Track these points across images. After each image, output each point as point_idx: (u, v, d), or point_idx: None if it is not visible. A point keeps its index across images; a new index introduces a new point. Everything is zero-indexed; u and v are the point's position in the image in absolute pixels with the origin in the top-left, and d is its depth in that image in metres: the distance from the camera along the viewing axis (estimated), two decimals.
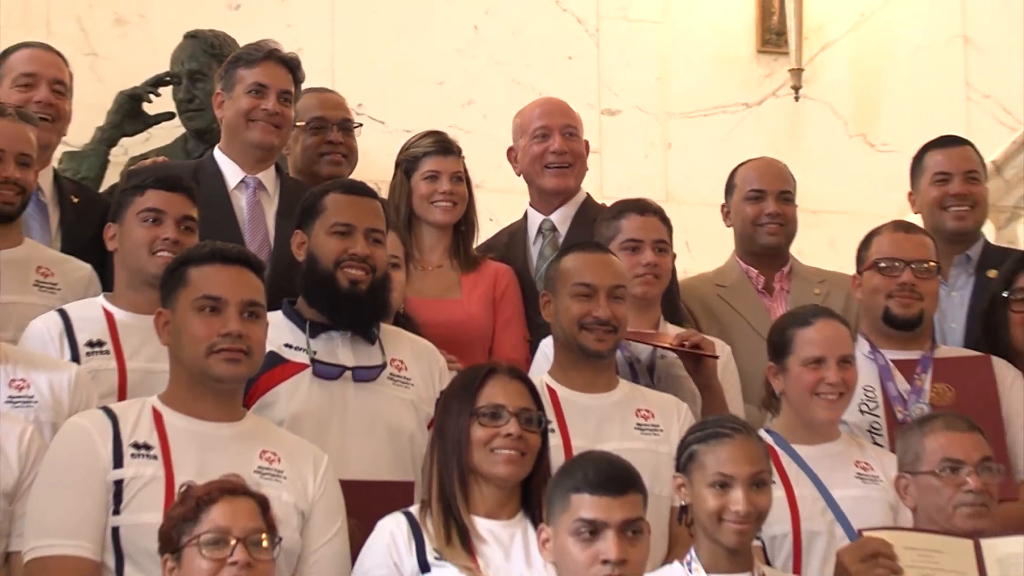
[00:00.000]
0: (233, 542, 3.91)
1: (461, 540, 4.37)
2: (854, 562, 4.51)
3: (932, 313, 5.59)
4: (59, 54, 6.05)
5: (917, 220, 6.04)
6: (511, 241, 6.24)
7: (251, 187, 5.80)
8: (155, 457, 4.36)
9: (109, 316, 5.06)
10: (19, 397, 4.71)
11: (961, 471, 4.67)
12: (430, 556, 4.36)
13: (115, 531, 4.29)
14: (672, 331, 5.58)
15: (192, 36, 7.70)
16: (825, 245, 6.60)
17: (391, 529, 4.42)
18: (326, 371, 4.90)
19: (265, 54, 5.84)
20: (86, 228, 5.68)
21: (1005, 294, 5.57)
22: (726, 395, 5.47)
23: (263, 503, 4.05)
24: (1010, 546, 4.63)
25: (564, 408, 5.00)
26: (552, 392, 5.01)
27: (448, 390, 4.67)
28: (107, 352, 5.00)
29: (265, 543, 3.97)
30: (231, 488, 4.02)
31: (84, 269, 5.48)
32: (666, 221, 5.67)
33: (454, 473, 4.44)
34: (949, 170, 6.13)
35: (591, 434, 4.94)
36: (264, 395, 4.82)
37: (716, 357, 5.42)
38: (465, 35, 8.74)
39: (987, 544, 4.60)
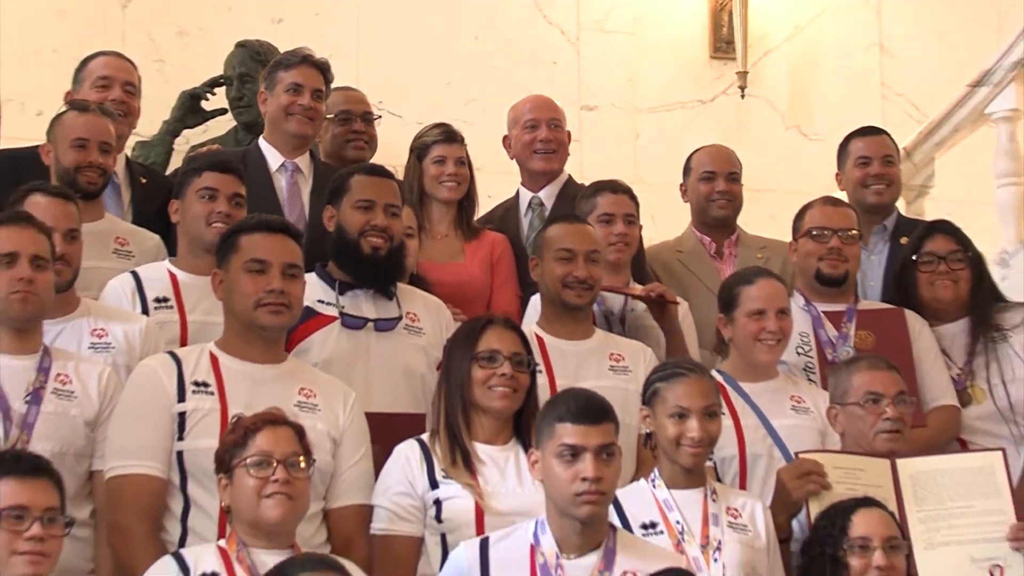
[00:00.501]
0: (275, 464, 3.94)
1: (464, 462, 4.40)
2: (791, 479, 4.54)
3: (855, 273, 5.59)
4: (129, 60, 6.03)
5: (843, 196, 6.03)
6: (506, 215, 6.21)
7: (290, 170, 5.79)
8: (212, 393, 4.40)
9: (173, 277, 5.08)
10: (99, 343, 4.75)
11: (881, 402, 4.68)
12: (438, 475, 4.38)
13: (179, 454, 4.33)
14: (639, 288, 5.56)
15: (241, 45, 7.68)
16: (766, 218, 6.58)
17: (406, 453, 4.44)
18: (352, 322, 4.90)
19: (301, 59, 5.84)
20: (153, 204, 5.67)
21: (914, 258, 5.55)
22: (687, 343, 5.46)
23: (300, 431, 4.08)
24: (920, 465, 4.65)
25: (549, 352, 5.00)
26: (540, 339, 5.00)
27: (453, 338, 4.67)
28: (171, 307, 5.02)
29: (302, 464, 4.01)
30: (273, 419, 4.05)
31: (154, 239, 5.48)
32: (634, 198, 5.66)
33: (458, 406, 4.46)
34: (869, 155, 6.12)
35: (572, 374, 4.93)
36: (301, 342, 4.82)
37: (677, 303, 5.43)
38: (468, 44, 8.71)
39: (901, 463, 4.61)
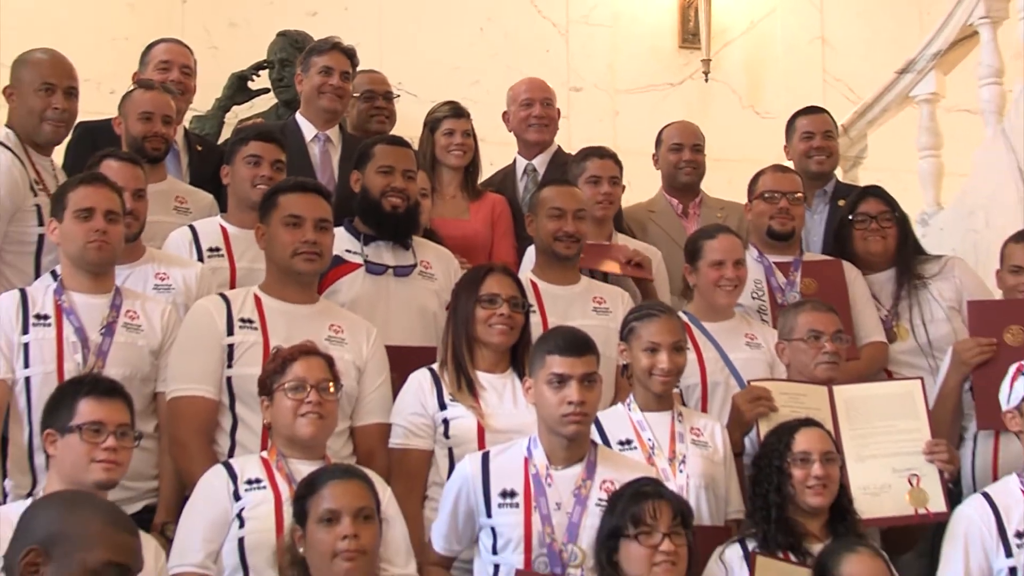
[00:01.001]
0: (309, 388, 3.96)
1: (468, 387, 4.40)
2: (744, 403, 4.55)
3: (800, 229, 5.56)
4: (186, 46, 5.98)
5: (790, 165, 5.99)
6: (504, 179, 6.15)
7: (322, 140, 5.74)
8: (256, 328, 4.40)
9: (224, 230, 5.06)
10: (162, 285, 4.75)
11: (821, 339, 4.68)
12: (446, 398, 4.39)
13: (228, 380, 4.36)
14: (622, 240, 5.54)
15: (282, 34, 7.68)
16: (725, 183, 6.52)
17: (419, 380, 4.44)
18: (375, 268, 4.87)
19: (331, 46, 5.79)
20: (207, 168, 5.63)
21: (850, 217, 5.54)
22: (658, 288, 5.44)
23: (330, 361, 4.08)
24: (852, 391, 4.66)
25: (542, 296, 4.96)
26: (534, 285, 4.96)
27: (459, 283, 4.65)
28: (222, 255, 5.00)
29: (331, 389, 4.02)
30: (307, 350, 4.07)
31: (208, 198, 5.45)
32: (619, 163, 5.62)
33: (463, 341, 4.45)
34: (812, 130, 6.08)
35: (561, 314, 4.89)
36: (331, 285, 4.80)
37: (651, 280, 5.39)
38: (473, 35, 8.71)
39: (837, 390, 4.62)
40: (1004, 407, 4.38)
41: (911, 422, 4.58)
